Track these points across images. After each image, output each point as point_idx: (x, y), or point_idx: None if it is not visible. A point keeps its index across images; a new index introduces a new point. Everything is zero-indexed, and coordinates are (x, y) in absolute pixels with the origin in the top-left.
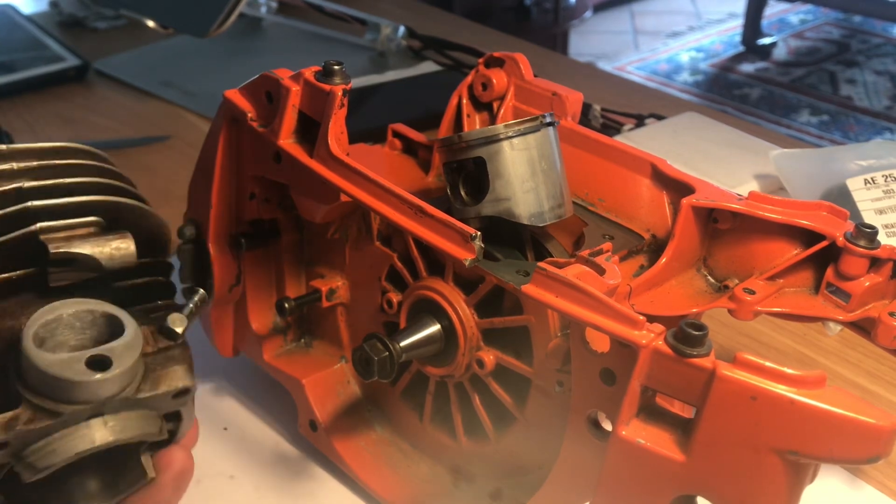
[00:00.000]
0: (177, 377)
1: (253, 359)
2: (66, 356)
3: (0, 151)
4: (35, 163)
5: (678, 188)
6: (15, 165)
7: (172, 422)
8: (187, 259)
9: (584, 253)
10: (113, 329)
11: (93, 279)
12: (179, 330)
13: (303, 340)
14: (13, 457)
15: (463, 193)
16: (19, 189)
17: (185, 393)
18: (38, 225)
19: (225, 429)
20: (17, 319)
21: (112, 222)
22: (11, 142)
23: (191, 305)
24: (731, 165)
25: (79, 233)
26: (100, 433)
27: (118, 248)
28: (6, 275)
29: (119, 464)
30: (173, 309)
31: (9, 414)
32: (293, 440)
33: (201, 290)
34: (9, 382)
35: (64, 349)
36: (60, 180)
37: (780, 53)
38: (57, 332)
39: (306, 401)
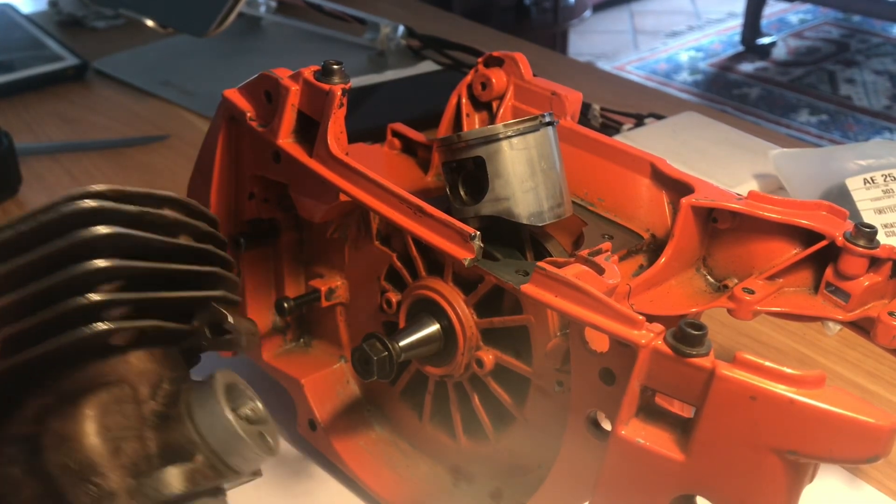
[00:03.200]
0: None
1: (252, 358)
2: (252, 427)
3: (192, 208)
4: (208, 228)
5: (677, 188)
6: (202, 226)
7: None
8: None
9: (584, 252)
10: (241, 402)
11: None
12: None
13: (302, 340)
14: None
15: (462, 193)
16: (208, 251)
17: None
18: (223, 292)
19: None
20: (163, 368)
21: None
22: (11, 142)
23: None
24: (731, 165)
25: (230, 309)
26: None
27: (254, 334)
28: (179, 326)
29: None
30: None
31: (190, 465)
32: (292, 440)
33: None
34: (170, 424)
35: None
36: (223, 254)
37: (779, 53)
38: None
39: (305, 401)
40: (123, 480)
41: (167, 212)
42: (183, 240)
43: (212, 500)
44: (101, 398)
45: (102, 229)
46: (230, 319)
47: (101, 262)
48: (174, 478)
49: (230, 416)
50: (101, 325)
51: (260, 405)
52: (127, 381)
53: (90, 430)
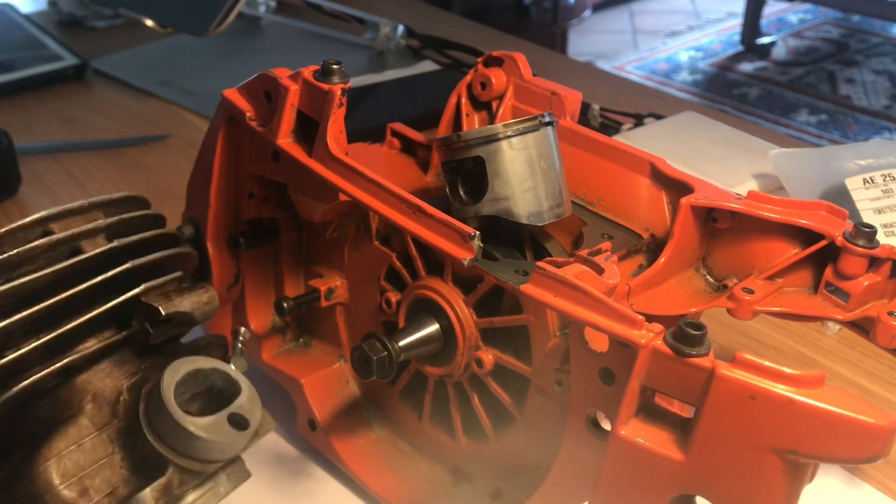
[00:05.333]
0: (267, 422)
1: (251, 358)
2: (213, 419)
3: (83, 206)
4: (116, 218)
5: (677, 187)
6: (102, 223)
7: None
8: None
9: (583, 252)
10: (212, 381)
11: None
12: (240, 377)
13: (301, 340)
14: None
15: (462, 193)
16: (112, 248)
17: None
18: (143, 286)
19: None
20: (118, 380)
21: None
22: (10, 141)
23: (239, 346)
24: (730, 165)
25: (170, 289)
26: (224, 486)
27: (207, 301)
28: (116, 337)
29: None
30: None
31: (162, 480)
32: (292, 440)
33: (242, 329)
34: (136, 439)
35: (189, 407)
36: (141, 235)
37: (779, 53)
38: (179, 391)
39: (305, 400)
40: None
41: (40, 241)
42: (88, 246)
43: (199, 491)
44: (56, 445)
45: None
46: (163, 311)
47: None
48: (148, 500)
49: (184, 421)
50: (19, 385)
51: (231, 373)
52: (82, 412)
53: (51, 482)
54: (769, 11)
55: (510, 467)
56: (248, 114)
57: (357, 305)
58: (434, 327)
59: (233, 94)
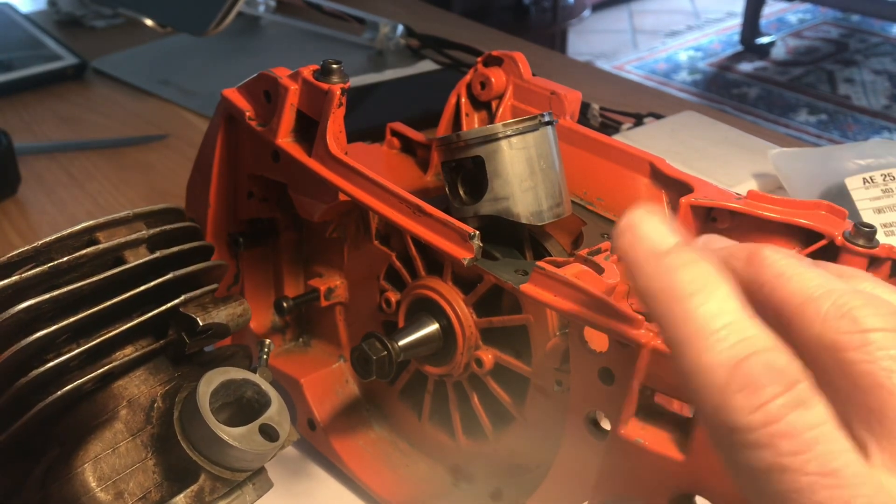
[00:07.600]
0: (292, 433)
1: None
2: (246, 429)
3: (127, 217)
4: (157, 229)
5: (677, 187)
6: (144, 233)
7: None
8: None
9: (583, 252)
10: (243, 391)
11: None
12: (270, 389)
13: (301, 339)
14: None
15: (461, 192)
16: (156, 259)
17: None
18: (183, 297)
19: None
20: (153, 388)
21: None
22: (10, 141)
23: (264, 357)
24: (730, 164)
25: (206, 301)
26: (250, 495)
27: (241, 314)
28: (153, 346)
29: None
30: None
31: (194, 487)
32: None
33: (268, 340)
34: (169, 446)
35: (218, 416)
36: (181, 247)
37: (778, 53)
38: (210, 400)
39: (305, 400)
40: None
41: (88, 250)
42: (131, 256)
43: (227, 500)
44: (93, 448)
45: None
46: (200, 322)
47: (37, 334)
48: None
49: (219, 431)
50: (61, 390)
51: (262, 385)
52: (117, 417)
53: (88, 485)
54: (769, 11)
55: (510, 467)
56: (247, 113)
57: (357, 305)
58: (434, 327)
59: (232, 94)
